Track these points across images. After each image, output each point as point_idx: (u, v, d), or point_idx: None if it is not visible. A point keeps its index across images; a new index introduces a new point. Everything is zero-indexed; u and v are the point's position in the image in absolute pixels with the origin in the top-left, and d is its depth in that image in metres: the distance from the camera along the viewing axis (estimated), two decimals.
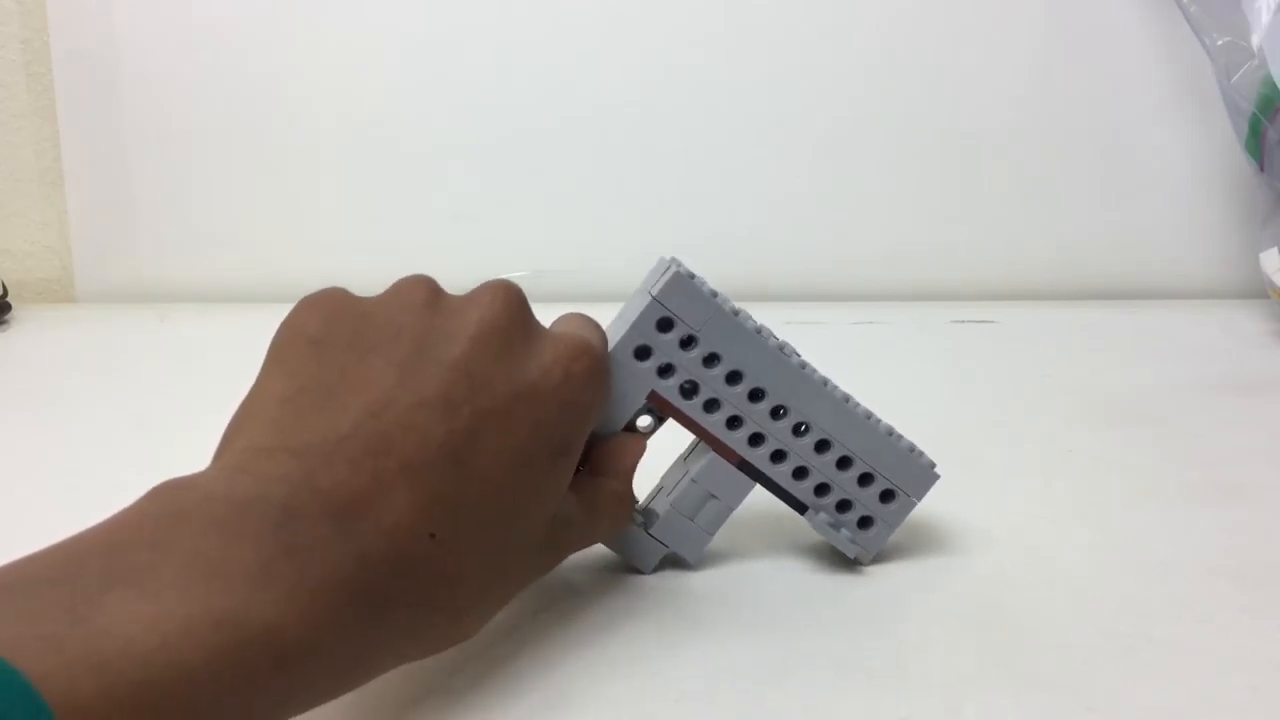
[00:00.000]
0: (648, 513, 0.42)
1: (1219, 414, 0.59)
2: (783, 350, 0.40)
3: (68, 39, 0.80)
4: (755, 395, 0.40)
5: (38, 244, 0.84)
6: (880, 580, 0.42)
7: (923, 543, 0.44)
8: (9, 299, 0.78)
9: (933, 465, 0.41)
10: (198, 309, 0.79)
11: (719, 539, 0.42)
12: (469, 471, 0.31)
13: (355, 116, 0.81)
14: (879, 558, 0.43)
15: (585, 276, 0.80)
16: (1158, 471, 0.52)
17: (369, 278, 0.83)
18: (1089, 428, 0.57)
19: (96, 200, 0.82)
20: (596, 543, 0.40)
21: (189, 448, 0.35)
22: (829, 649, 0.37)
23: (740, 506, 0.42)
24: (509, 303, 0.35)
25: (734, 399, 0.40)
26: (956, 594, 0.41)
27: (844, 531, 0.41)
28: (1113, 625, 0.39)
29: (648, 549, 0.42)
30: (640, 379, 0.40)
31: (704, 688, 0.35)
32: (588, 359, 0.36)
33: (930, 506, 0.44)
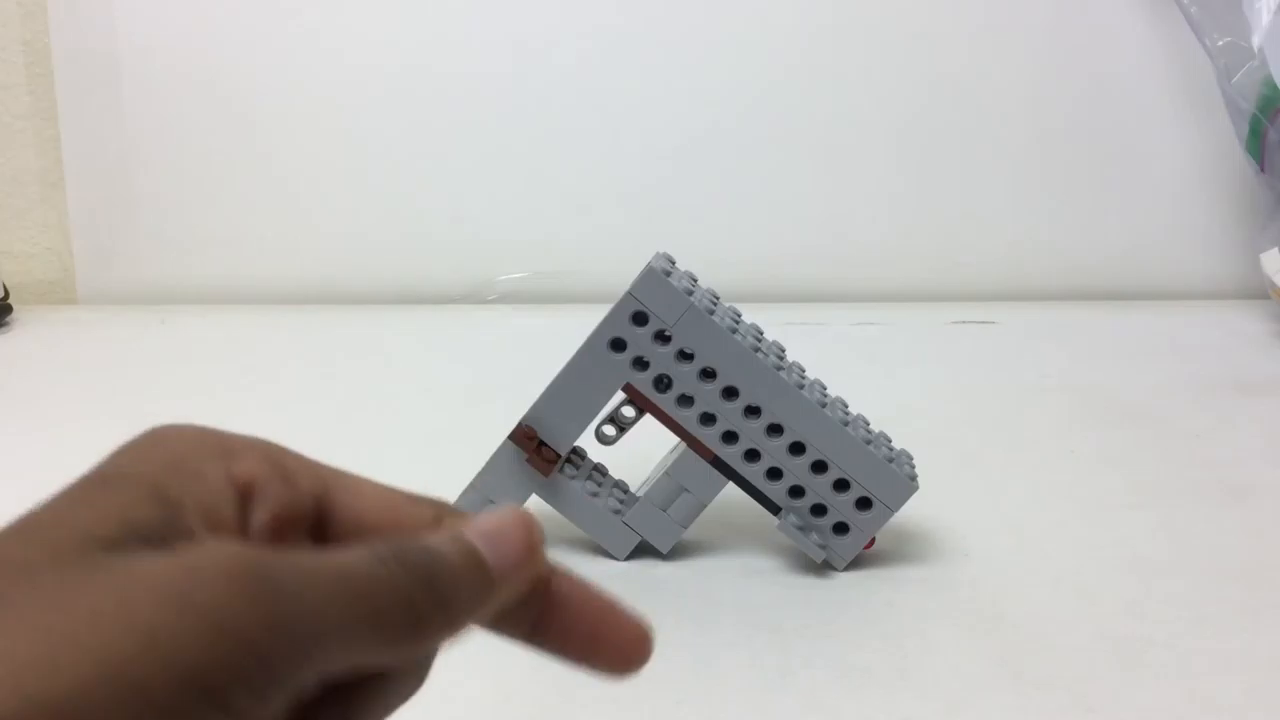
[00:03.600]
0: (626, 499, 0.43)
1: (1219, 414, 0.59)
2: (760, 351, 0.40)
3: (69, 41, 0.80)
4: (728, 393, 0.40)
5: (39, 246, 0.84)
6: (880, 580, 0.42)
7: (922, 543, 0.44)
8: (10, 301, 0.78)
9: (913, 477, 0.41)
10: (198, 310, 0.79)
11: (718, 535, 0.42)
12: None
13: (355, 118, 0.81)
14: (881, 558, 0.43)
15: (585, 276, 0.80)
16: (1158, 471, 0.52)
17: (369, 278, 0.84)
18: (1089, 428, 0.57)
19: (97, 202, 0.82)
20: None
21: None
22: (829, 650, 0.37)
23: (732, 504, 0.42)
24: None
25: (706, 396, 0.40)
26: (957, 594, 0.41)
27: (813, 536, 0.41)
28: (1113, 625, 0.39)
29: (621, 536, 0.42)
30: (615, 370, 0.40)
31: (705, 688, 0.35)
32: None
33: (930, 507, 0.44)
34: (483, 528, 0.22)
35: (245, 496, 0.21)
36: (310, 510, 0.22)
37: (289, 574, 0.19)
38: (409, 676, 0.22)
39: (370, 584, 0.19)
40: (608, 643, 0.24)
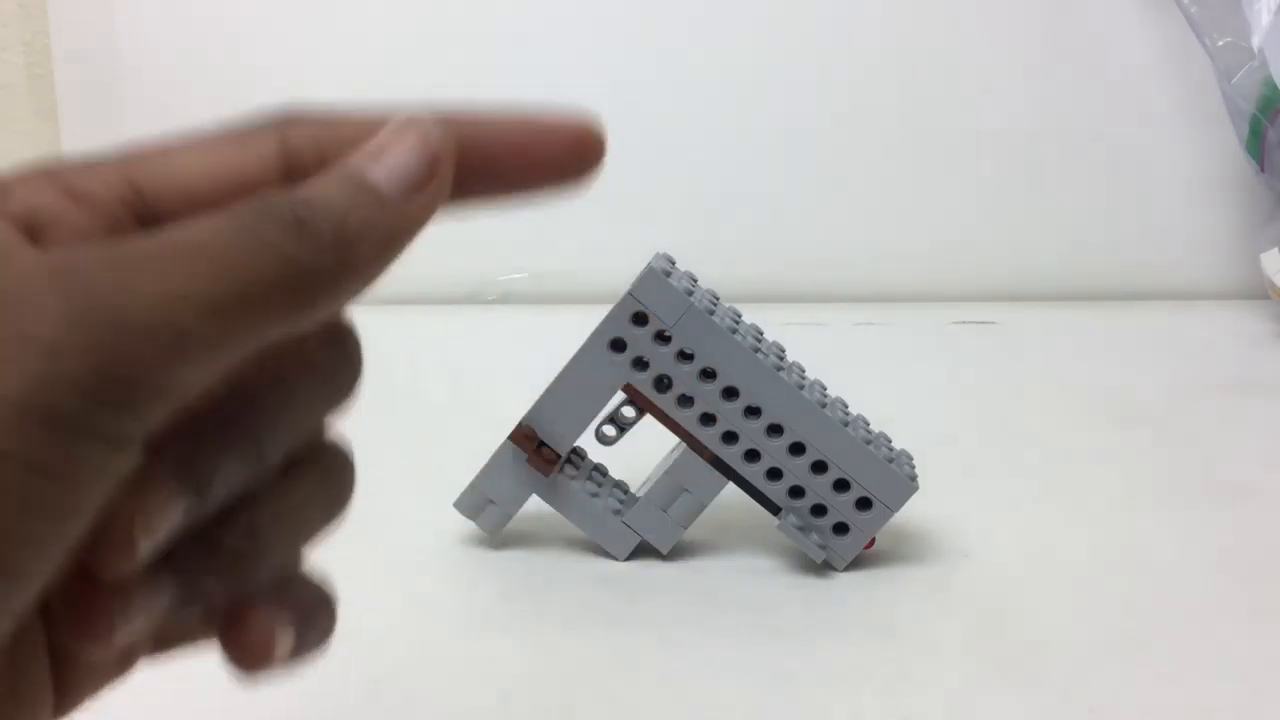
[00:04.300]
0: (626, 500, 0.43)
1: (1219, 414, 0.59)
2: (760, 351, 0.40)
3: (69, 41, 0.80)
4: (728, 394, 0.40)
5: None
6: (880, 581, 0.42)
7: (923, 543, 0.44)
8: None
9: (913, 477, 0.41)
10: None
11: (718, 535, 0.42)
12: None
13: None
14: (881, 558, 0.43)
15: (585, 276, 0.80)
16: (1158, 471, 0.52)
17: None
18: (1089, 428, 0.57)
19: None
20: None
21: None
22: (829, 650, 0.37)
23: (732, 504, 0.42)
24: None
25: (706, 396, 0.40)
26: (957, 594, 0.41)
27: (813, 536, 0.41)
28: (1113, 625, 0.39)
29: (621, 536, 0.42)
30: (615, 370, 0.40)
31: (705, 688, 0.35)
32: None
33: (930, 507, 0.44)
34: (367, 149, 0.18)
35: (34, 235, 0.16)
36: (127, 217, 0.17)
37: (107, 263, 0.15)
38: (333, 364, 0.19)
39: (232, 252, 0.16)
40: (546, 162, 0.20)
